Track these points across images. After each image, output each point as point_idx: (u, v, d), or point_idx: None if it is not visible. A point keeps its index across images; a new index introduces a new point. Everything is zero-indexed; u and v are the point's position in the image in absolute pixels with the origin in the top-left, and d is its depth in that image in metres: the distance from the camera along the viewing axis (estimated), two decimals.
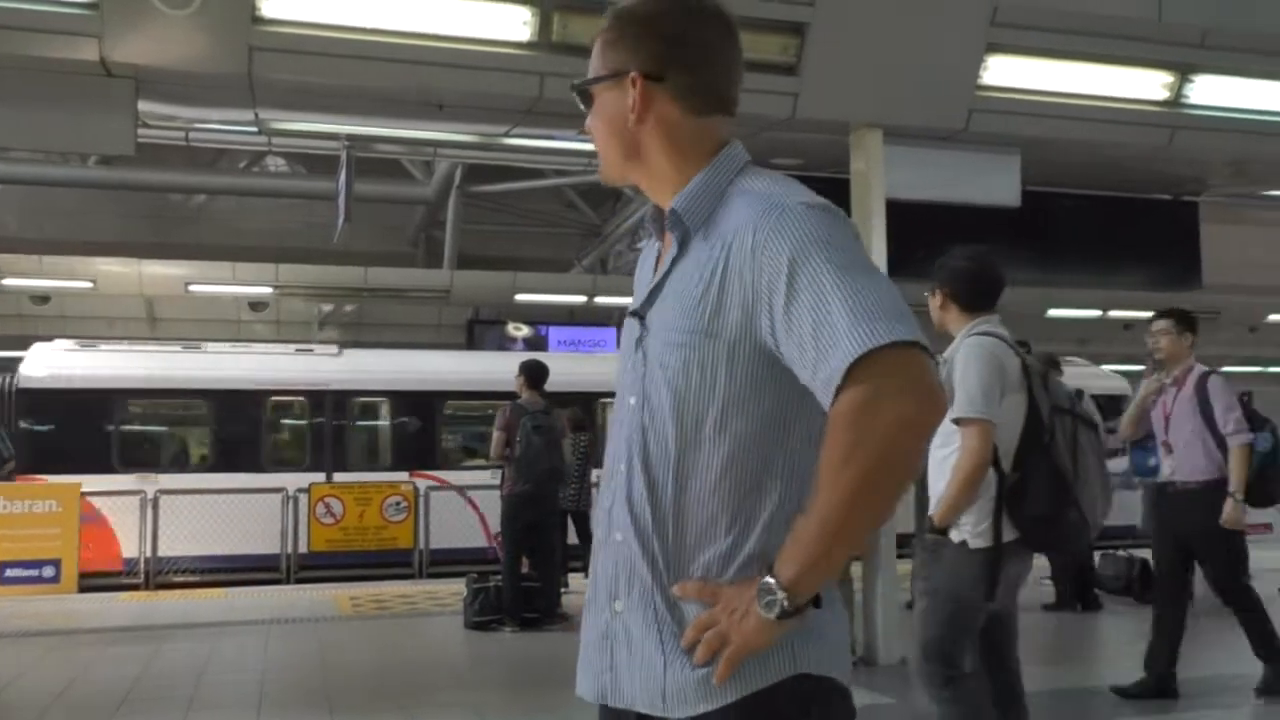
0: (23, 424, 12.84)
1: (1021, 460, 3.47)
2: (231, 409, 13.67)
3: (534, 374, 8.11)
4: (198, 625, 8.27)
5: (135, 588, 11.23)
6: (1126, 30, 7.02)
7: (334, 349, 15.39)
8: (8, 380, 13.05)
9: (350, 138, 8.61)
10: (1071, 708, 5.46)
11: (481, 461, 12.57)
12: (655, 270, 1.57)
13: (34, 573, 10.55)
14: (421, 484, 12.99)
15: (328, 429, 14.13)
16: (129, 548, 11.90)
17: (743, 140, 1.60)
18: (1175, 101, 7.40)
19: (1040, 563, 8.84)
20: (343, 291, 19.36)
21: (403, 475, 13.48)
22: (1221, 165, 8.53)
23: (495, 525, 10.10)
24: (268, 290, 18.72)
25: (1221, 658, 6.36)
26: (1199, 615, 8.35)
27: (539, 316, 19.79)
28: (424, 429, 14.58)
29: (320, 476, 13.40)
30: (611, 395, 1.76)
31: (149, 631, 8.11)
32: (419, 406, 14.51)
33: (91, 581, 10.93)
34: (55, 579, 10.52)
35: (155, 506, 11.73)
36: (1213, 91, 7.46)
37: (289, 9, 5.81)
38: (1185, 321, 5.64)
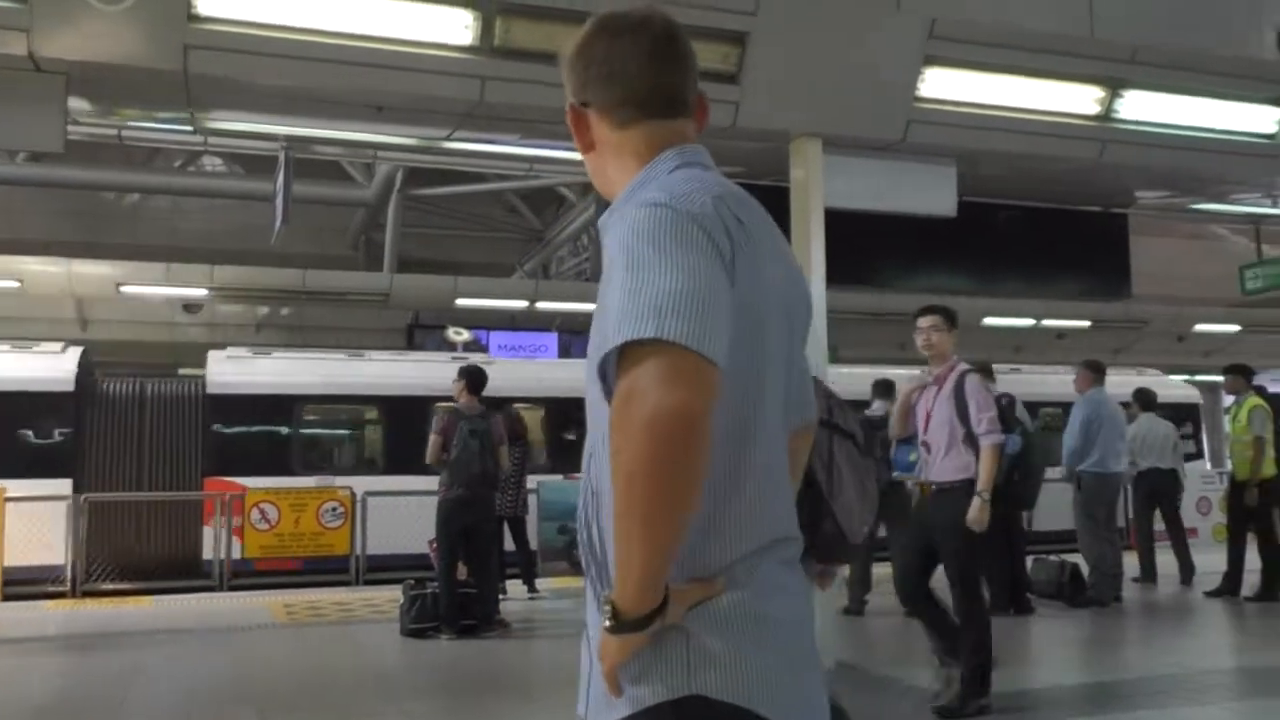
0: (212, 428, 13.32)
1: None
2: (400, 413, 13.92)
3: (475, 379, 8.08)
4: (125, 634, 8.10)
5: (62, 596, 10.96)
6: (1060, 46, 7.17)
7: (487, 357, 15.65)
8: (195, 386, 13.64)
9: (289, 139, 8.49)
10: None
11: None
12: None
13: None
14: (359, 489, 12.84)
15: None
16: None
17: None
18: (1106, 116, 7.57)
19: None
20: (280, 294, 19.08)
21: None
22: (1150, 178, 8.75)
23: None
24: (202, 292, 18.40)
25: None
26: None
27: (480, 321, 19.69)
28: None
29: None
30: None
31: (73, 641, 7.92)
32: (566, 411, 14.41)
33: None
34: None
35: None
36: (1142, 106, 7.64)
37: (226, 7, 5.71)
38: (951, 318, 5.57)
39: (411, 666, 7.06)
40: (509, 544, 9.73)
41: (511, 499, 9.62)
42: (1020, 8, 7.08)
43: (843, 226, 7.06)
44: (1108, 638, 7.94)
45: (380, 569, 11.85)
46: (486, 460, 7.87)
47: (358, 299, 19.25)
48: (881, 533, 8.63)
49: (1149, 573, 10.02)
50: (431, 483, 8.20)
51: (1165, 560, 10.10)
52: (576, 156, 1.71)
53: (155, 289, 18.21)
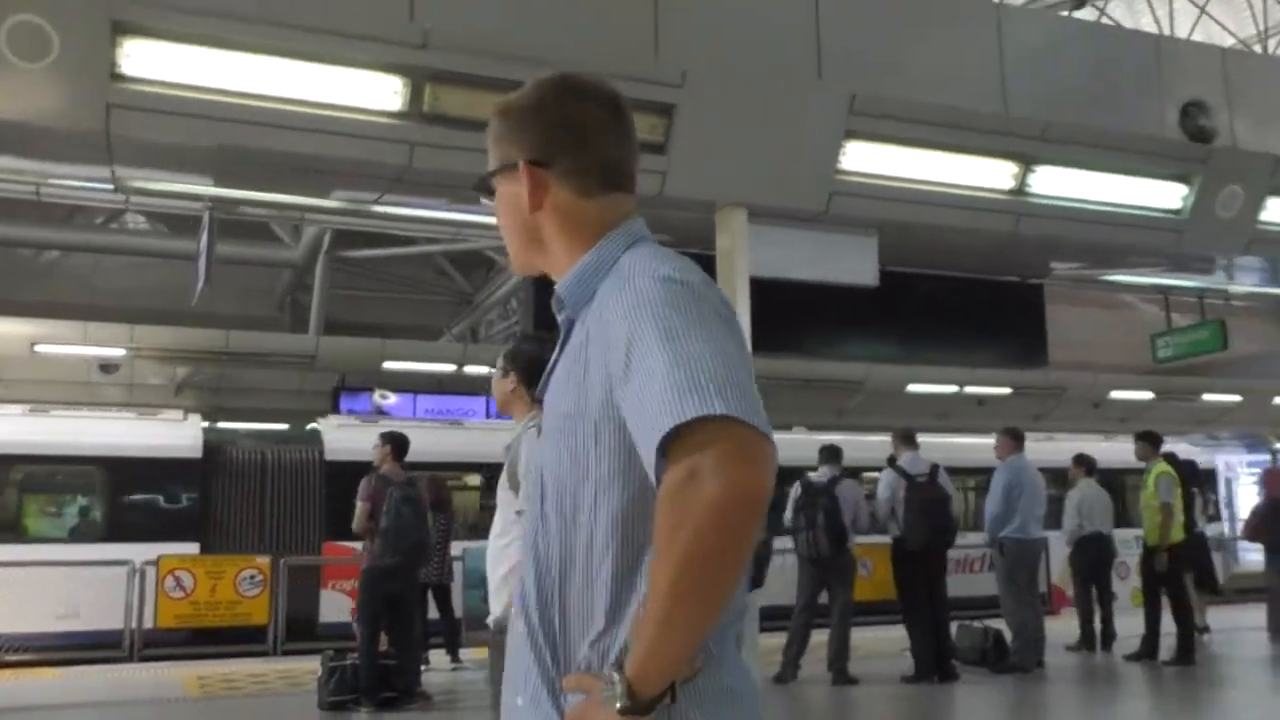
0: (330, 494, 13.41)
1: None
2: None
3: (399, 445, 7.98)
4: (27, 709, 7.75)
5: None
6: (974, 123, 7.42)
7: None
8: (315, 453, 14.10)
9: (214, 199, 8.38)
10: None
11: None
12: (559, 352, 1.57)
13: None
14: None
15: None
16: None
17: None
18: (1020, 190, 7.83)
19: (899, 635, 9.05)
20: (202, 355, 18.69)
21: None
22: (1064, 250, 9.02)
23: None
24: (120, 352, 17.97)
25: None
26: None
27: (408, 385, 19.47)
28: None
29: None
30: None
31: None
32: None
33: None
34: None
35: None
36: (1054, 182, 7.92)
37: (151, 67, 5.66)
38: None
39: None
40: (433, 612, 9.55)
41: (437, 567, 9.46)
42: (936, 85, 7.33)
43: (769, 295, 7.16)
44: (1032, 703, 8.01)
45: None
46: (422, 529, 7.77)
47: (282, 361, 18.93)
48: (823, 599, 8.69)
49: (1089, 640, 10.15)
50: None
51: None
52: None
53: (72, 348, 17.74)
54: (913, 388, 20.27)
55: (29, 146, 6.19)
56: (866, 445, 12.47)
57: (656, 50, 6.55)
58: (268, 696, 8.33)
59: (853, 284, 7.65)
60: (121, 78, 5.60)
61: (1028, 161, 7.75)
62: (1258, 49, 21.91)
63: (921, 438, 9.05)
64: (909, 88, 7.24)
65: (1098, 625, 10.25)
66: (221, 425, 16.42)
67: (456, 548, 10.10)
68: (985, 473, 10.24)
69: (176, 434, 13.76)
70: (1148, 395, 23.14)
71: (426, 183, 6.60)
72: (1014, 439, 9.43)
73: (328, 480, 13.65)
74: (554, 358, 1.55)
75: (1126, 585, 14.69)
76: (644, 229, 1.56)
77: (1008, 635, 9.03)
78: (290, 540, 13.38)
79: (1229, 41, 21.02)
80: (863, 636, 9.66)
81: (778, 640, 8.49)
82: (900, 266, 8.27)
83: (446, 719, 7.59)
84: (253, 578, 12.50)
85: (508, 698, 1.49)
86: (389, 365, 18.86)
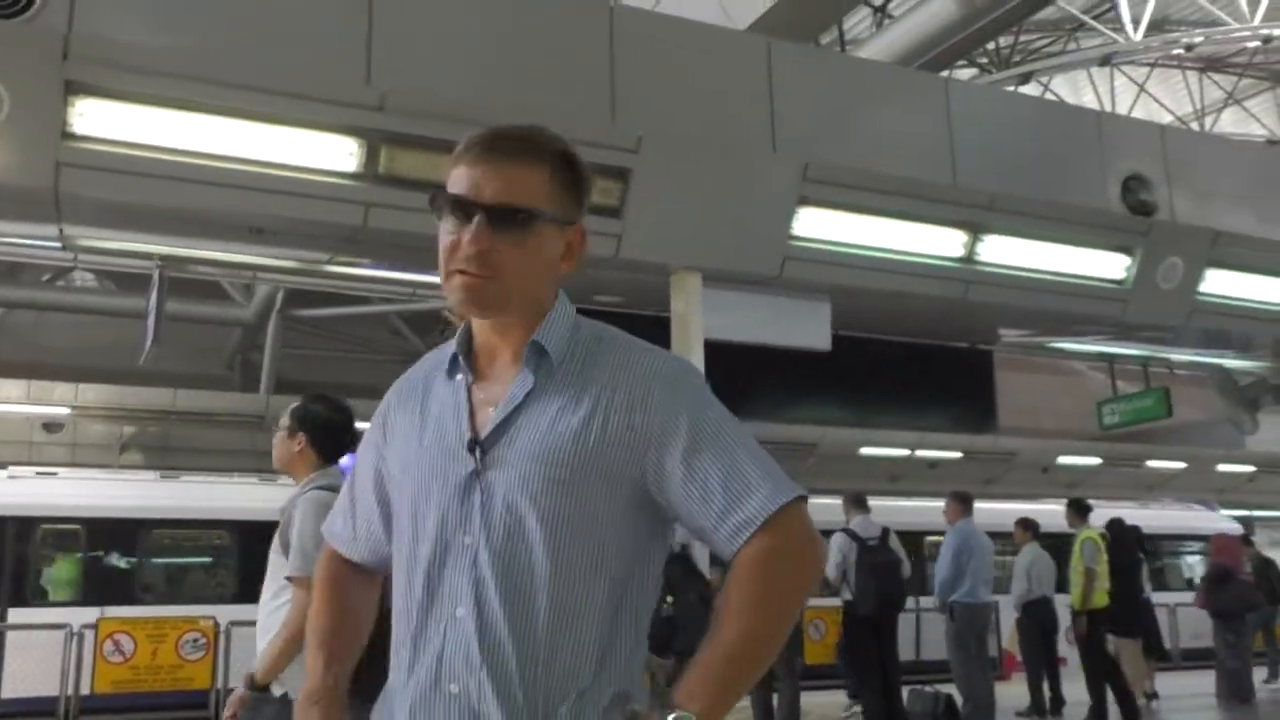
0: None
1: None
2: None
3: None
4: None
5: None
6: (924, 192, 7.56)
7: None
8: None
9: (164, 258, 8.30)
10: None
11: None
12: (465, 404, 1.54)
13: None
14: (224, 619, 12.24)
15: None
16: None
17: (568, 277, 1.63)
18: (969, 258, 7.95)
19: (842, 701, 9.01)
20: (148, 414, 18.39)
21: None
22: (1012, 317, 9.17)
23: None
24: (64, 411, 17.63)
25: None
26: None
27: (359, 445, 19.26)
28: None
29: None
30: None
31: None
32: None
33: None
34: None
35: None
36: (1002, 250, 8.06)
37: (102, 126, 5.61)
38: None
39: None
40: None
41: None
42: (888, 155, 7.48)
43: (722, 358, 7.19)
44: None
45: None
46: None
47: (232, 420, 18.66)
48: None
49: (1039, 706, 10.14)
50: None
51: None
52: None
53: (14, 407, 17.39)
54: (865, 450, 20.40)
55: None
56: (818, 508, 12.47)
57: (613, 115, 6.63)
58: None
59: (806, 348, 7.72)
60: (73, 136, 5.55)
61: (976, 230, 7.89)
62: (1194, 126, 22.65)
63: (873, 501, 9.09)
64: (860, 156, 7.38)
65: (1046, 691, 10.26)
66: None
67: None
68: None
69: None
70: (1095, 461, 23.46)
71: (381, 243, 6.60)
72: (962, 503, 9.49)
73: None
74: (511, 405, 1.50)
75: (1074, 650, 14.73)
76: None
77: (959, 700, 9.01)
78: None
79: (1167, 119, 21.72)
80: (813, 701, 9.59)
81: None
82: (852, 331, 8.35)
83: None
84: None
85: None
86: None
